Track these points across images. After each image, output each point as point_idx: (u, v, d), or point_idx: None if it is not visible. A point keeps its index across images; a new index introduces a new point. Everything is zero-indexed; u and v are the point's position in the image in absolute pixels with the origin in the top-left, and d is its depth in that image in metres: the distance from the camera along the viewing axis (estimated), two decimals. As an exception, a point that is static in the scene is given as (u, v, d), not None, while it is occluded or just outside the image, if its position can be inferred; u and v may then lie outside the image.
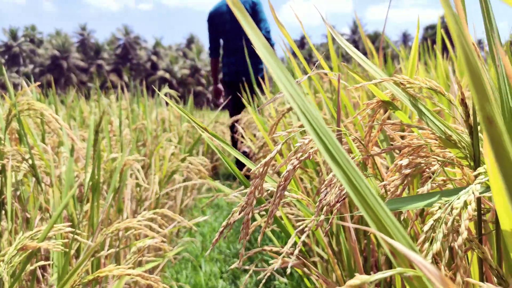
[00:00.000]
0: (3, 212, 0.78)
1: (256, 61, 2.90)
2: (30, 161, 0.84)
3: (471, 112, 0.39)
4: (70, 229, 0.54)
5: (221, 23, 2.97)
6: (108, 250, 0.83)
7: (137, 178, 1.24)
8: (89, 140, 0.91)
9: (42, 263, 0.55)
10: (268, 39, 2.96)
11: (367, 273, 0.84)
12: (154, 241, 0.64)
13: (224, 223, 0.42)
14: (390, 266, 0.69)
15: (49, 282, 0.64)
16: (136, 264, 0.87)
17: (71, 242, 0.58)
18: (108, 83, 2.84)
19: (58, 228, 0.55)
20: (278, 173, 1.36)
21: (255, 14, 2.88)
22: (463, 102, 0.40)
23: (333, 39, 0.81)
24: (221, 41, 3.06)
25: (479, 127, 0.39)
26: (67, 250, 0.59)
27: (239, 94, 1.61)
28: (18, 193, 0.86)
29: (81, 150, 0.97)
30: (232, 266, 0.50)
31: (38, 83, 1.06)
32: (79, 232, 0.65)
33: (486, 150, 0.24)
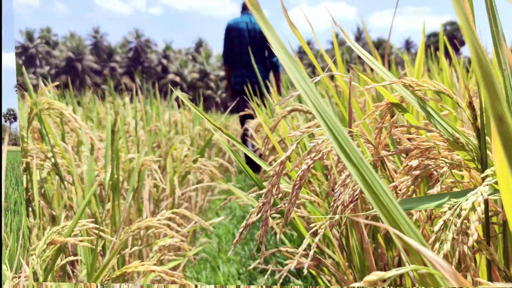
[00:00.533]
0: (30, 209, 0.81)
1: (266, 75, 3.25)
2: (52, 160, 0.88)
3: (478, 115, 0.40)
4: (94, 225, 0.57)
5: (237, 37, 3.25)
6: (131, 248, 0.86)
7: (154, 179, 1.27)
8: (108, 139, 0.94)
9: (71, 258, 0.58)
10: (277, 66, 3.28)
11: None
12: (175, 240, 0.66)
13: (243, 224, 0.43)
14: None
15: (79, 278, 0.67)
16: (158, 263, 0.89)
17: (96, 239, 0.61)
18: (122, 85, 2.90)
19: (82, 224, 0.58)
20: (288, 175, 1.38)
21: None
22: (470, 105, 0.41)
23: (339, 44, 0.83)
24: (235, 52, 3.31)
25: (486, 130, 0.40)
26: (94, 247, 0.62)
27: (245, 97, 1.73)
28: (42, 190, 0.90)
29: (99, 150, 1.00)
30: (251, 266, 0.52)
31: (57, 83, 1.09)
32: (102, 229, 0.68)
33: (495, 147, 0.24)
